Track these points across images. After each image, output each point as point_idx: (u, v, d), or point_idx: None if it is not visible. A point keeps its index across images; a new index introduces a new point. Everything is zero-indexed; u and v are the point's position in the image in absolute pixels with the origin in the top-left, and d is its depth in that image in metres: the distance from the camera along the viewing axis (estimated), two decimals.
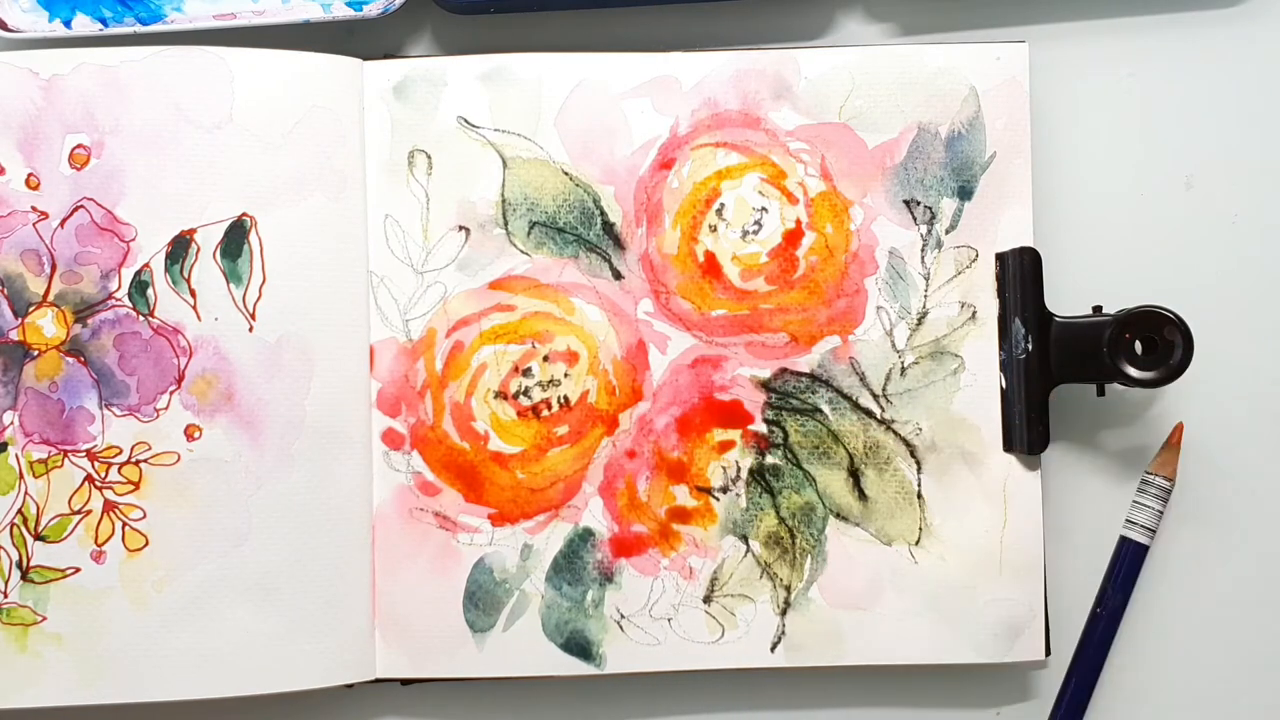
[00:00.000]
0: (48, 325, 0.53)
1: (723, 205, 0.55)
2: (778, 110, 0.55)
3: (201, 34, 0.55)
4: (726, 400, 0.55)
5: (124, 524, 0.53)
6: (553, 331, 0.55)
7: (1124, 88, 0.58)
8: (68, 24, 0.55)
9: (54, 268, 0.53)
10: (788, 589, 0.55)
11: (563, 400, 0.55)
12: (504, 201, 0.55)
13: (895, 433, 0.55)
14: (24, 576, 0.53)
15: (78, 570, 0.53)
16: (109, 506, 0.53)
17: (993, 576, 0.55)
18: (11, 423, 0.53)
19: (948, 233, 0.55)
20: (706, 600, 0.55)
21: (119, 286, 0.53)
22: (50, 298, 0.53)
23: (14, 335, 0.53)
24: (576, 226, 0.55)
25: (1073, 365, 0.54)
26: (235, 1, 0.55)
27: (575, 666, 0.55)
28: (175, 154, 0.53)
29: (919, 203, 0.55)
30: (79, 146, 0.53)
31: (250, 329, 0.53)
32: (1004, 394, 0.55)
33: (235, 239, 0.53)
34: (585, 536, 0.55)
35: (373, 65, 0.55)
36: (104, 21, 0.55)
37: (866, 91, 0.55)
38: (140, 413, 0.53)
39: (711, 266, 0.55)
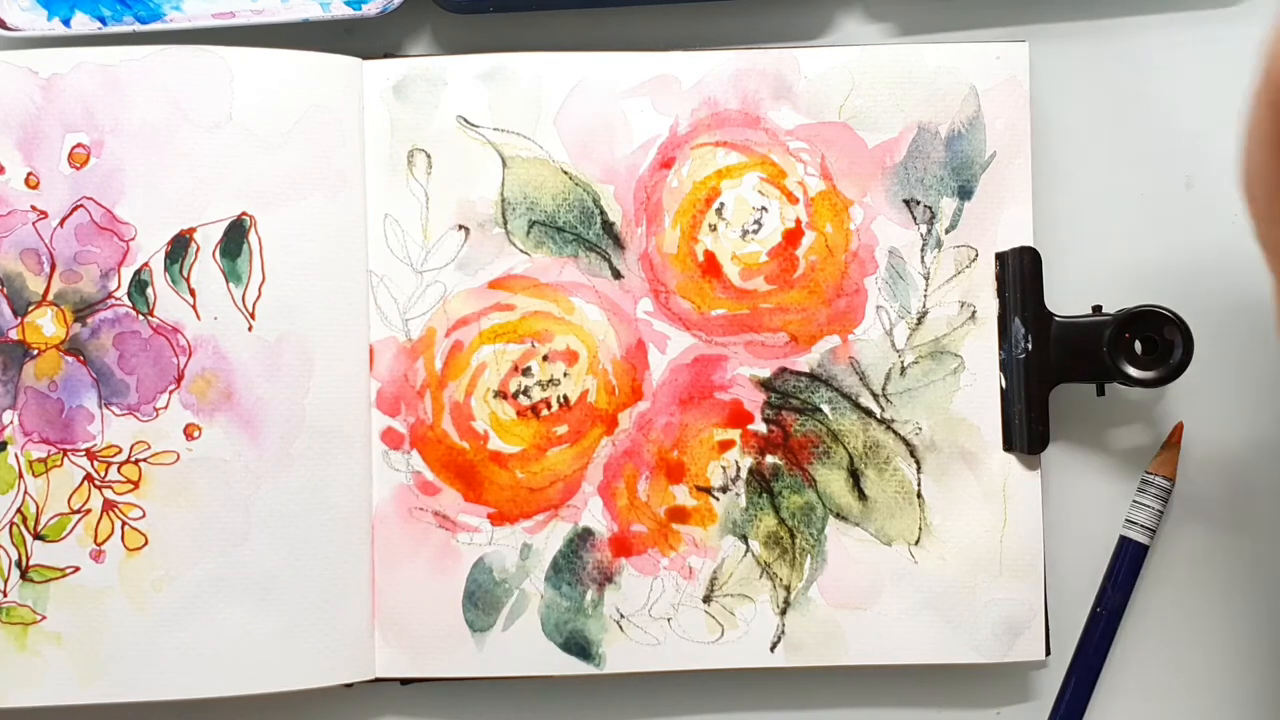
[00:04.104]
0: (47, 324, 0.53)
1: (722, 204, 0.55)
2: (777, 109, 0.55)
3: (200, 33, 0.55)
4: (726, 400, 0.55)
5: (123, 523, 0.53)
6: (552, 331, 0.55)
7: (1124, 88, 0.58)
8: (66, 22, 0.55)
9: (53, 267, 0.53)
10: (787, 589, 0.55)
11: (562, 400, 0.55)
12: (503, 201, 0.55)
13: (895, 432, 0.55)
14: (23, 576, 0.53)
15: (77, 569, 0.53)
16: (108, 506, 0.53)
17: (993, 576, 0.55)
18: (11, 422, 0.53)
19: (947, 232, 0.55)
20: (706, 600, 0.55)
21: (118, 286, 0.53)
22: (50, 297, 0.53)
23: (13, 334, 0.53)
24: (576, 226, 0.55)
25: (1073, 365, 0.54)
26: (234, 0, 0.55)
27: (575, 666, 0.55)
28: (175, 153, 0.53)
29: (919, 202, 0.55)
30: (78, 146, 0.53)
31: (250, 328, 0.53)
32: (1004, 394, 0.55)
33: (235, 238, 0.54)
34: (585, 536, 0.55)
35: (372, 64, 0.55)
36: (103, 20, 0.55)
37: (866, 91, 0.55)
38: (140, 412, 0.53)
39: (711, 266, 0.55)
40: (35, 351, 0.53)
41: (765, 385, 0.55)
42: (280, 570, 0.53)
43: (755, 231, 0.55)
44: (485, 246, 0.55)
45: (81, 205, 0.53)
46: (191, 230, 0.53)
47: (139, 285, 0.53)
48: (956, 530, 0.55)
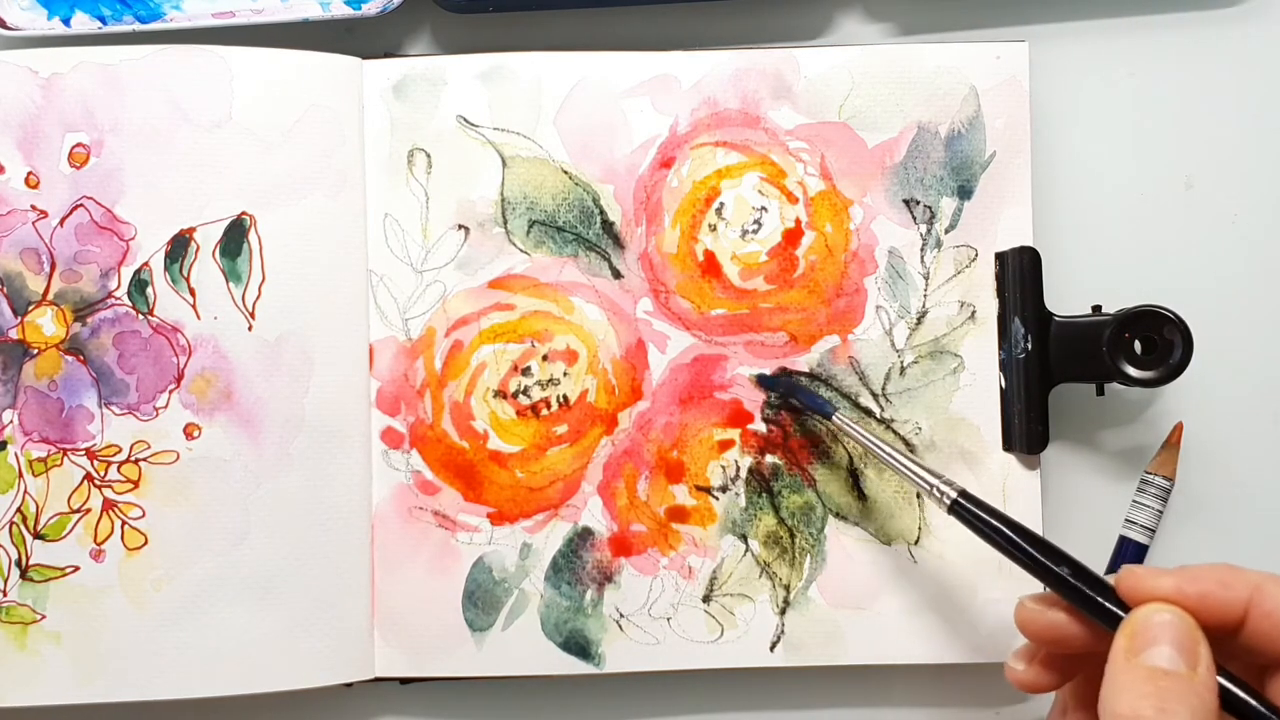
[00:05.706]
0: (47, 324, 0.53)
1: (722, 204, 0.55)
2: (777, 109, 0.55)
3: (200, 32, 0.55)
4: (726, 399, 0.55)
5: (123, 523, 0.53)
6: (552, 330, 0.55)
7: (1124, 88, 0.58)
8: (66, 22, 0.55)
9: (53, 266, 0.53)
10: (787, 588, 0.55)
11: (562, 399, 0.55)
12: (503, 200, 0.55)
13: (895, 432, 0.55)
14: (23, 575, 0.53)
15: (77, 569, 0.53)
16: (108, 505, 0.53)
17: (993, 576, 0.55)
18: (11, 421, 0.53)
19: (947, 232, 0.55)
20: (706, 600, 0.55)
21: (118, 285, 0.53)
22: (50, 296, 0.53)
23: (13, 334, 0.53)
24: (576, 225, 0.55)
25: (1072, 365, 0.54)
26: (234, 0, 0.55)
27: (574, 666, 0.55)
28: (175, 153, 0.53)
29: (919, 202, 0.55)
30: (78, 145, 0.53)
31: (249, 328, 0.53)
32: (1003, 393, 0.55)
33: (234, 238, 0.54)
34: (584, 536, 0.55)
35: (372, 64, 0.55)
36: (103, 20, 0.55)
37: (866, 91, 0.55)
38: (139, 411, 0.53)
39: (711, 266, 0.55)
40: (35, 351, 0.53)
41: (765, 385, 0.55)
42: (280, 570, 0.53)
43: (755, 231, 0.55)
44: (485, 246, 0.55)
45: (81, 205, 0.53)
46: (191, 230, 0.53)
47: (139, 285, 0.53)
48: (956, 530, 0.55)
